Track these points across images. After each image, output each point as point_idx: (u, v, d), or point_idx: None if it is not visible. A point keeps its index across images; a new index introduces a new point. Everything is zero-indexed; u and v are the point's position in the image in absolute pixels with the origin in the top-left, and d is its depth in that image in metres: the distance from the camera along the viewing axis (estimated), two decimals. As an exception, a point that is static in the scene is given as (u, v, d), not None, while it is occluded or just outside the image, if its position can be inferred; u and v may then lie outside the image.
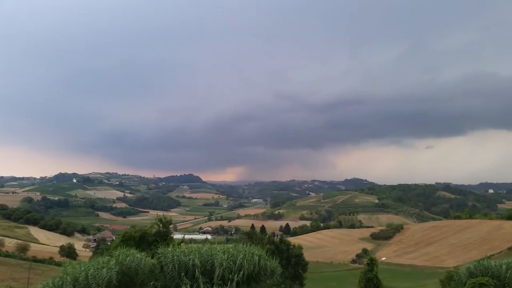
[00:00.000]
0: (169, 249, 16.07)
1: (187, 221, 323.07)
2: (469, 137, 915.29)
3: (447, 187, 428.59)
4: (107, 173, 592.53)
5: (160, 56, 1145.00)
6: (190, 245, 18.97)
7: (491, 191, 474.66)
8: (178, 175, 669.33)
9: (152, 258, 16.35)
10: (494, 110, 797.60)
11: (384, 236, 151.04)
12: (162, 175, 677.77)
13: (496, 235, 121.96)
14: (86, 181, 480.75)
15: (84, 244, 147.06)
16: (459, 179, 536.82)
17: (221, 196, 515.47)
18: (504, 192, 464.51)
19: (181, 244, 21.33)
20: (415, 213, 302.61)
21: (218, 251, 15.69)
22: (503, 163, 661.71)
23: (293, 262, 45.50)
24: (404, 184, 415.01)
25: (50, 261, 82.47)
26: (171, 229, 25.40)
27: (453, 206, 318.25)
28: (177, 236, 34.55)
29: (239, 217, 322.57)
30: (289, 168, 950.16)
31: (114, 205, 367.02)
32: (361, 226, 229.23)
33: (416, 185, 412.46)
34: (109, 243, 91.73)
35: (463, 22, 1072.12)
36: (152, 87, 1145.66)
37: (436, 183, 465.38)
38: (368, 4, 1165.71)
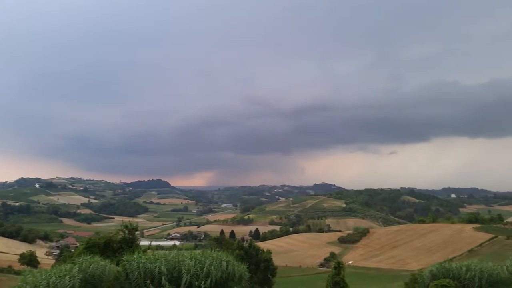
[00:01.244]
0: (135, 256, 15.85)
1: (155, 227, 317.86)
2: (432, 143, 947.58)
3: (411, 191, 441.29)
4: (71, 178, 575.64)
5: (128, 59, 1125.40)
6: (156, 252, 18.70)
7: (453, 196, 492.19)
8: (146, 180, 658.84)
9: (117, 265, 16.05)
10: (456, 117, 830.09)
11: (351, 240, 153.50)
12: (129, 180, 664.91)
13: (457, 238, 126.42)
14: (49, 186, 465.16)
15: (46, 252, 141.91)
16: (423, 184, 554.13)
17: (190, 202, 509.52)
18: (466, 196, 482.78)
19: (148, 251, 20.88)
20: (381, 217, 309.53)
21: (186, 258, 15.56)
22: (464, 169, 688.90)
23: (262, 267, 45.41)
24: (371, 189, 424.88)
25: (9, 269, 78.75)
26: (137, 235, 24.77)
27: (418, 210, 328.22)
28: (143, 242, 33.82)
29: (208, 222, 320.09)
30: (259, 173, 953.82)
31: (78, 211, 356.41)
32: (329, 230, 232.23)
33: (382, 189, 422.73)
34: (72, 250, 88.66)
35: (427, 34, 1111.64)
36: (119, 91, 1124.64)
37: (401, 188, 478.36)
38: (338, 15, 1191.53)
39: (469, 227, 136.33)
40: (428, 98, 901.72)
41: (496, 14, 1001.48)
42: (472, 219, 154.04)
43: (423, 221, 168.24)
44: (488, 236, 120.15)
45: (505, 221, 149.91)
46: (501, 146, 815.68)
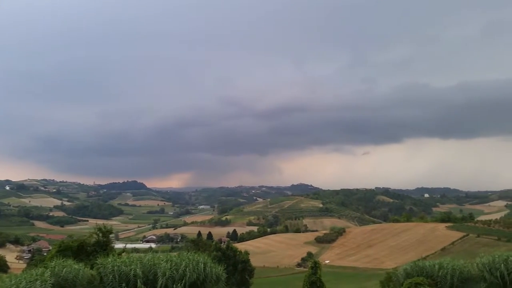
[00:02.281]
0: (109, 259, 15.64)
1: (130, 229, 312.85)
2: (405, 144, 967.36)
3: (386, 191, 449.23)
4: (43, 179, 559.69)
5: (102, 57, 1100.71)
6: (132, 255, 18.56)
7: (426, 195, 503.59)
8: (121, 181, 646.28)
9: (91, 269, 15.83)
10: (427, 119, 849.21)
11: (328, 239, 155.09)
12: (103, 182, 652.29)
13: (431, 237, 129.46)
14: (21, 188, 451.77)
15: (17, 256, 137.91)
16: (397, 184, 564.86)
17: (166, 203, 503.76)
18: (438, 196, 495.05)
19: (123, 253, 20.65)
20: (356, 216, 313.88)
21: (161, 260, 15.44)
22: (437, 169, 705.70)
23: (239, 268, 45.38)
24: (347, 189, 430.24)
25: (-23, 275, 76.21)
26: (112, 238, 24.52)
27: (392, 210, 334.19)
28: (118, 245, 33.31)
29: (185, 224, 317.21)
30: (237, 174, 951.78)
31: (51, 214, 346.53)
32: (306, 230, 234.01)
33: (357, 190, 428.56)
34: (45, 254, 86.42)
35: (400, 37, 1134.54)
36: (93, 90, 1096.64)
37: (376, 187, 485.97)
38: (314, 17, 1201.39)
39: (442, 226, 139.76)
40: (400, 100, 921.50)
41: (466, 18, 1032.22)
42: (445, 218, 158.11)
43: (397, 220, 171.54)
44: (460, 234, 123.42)
45: (476, 219, 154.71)
46: (471, 147, 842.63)
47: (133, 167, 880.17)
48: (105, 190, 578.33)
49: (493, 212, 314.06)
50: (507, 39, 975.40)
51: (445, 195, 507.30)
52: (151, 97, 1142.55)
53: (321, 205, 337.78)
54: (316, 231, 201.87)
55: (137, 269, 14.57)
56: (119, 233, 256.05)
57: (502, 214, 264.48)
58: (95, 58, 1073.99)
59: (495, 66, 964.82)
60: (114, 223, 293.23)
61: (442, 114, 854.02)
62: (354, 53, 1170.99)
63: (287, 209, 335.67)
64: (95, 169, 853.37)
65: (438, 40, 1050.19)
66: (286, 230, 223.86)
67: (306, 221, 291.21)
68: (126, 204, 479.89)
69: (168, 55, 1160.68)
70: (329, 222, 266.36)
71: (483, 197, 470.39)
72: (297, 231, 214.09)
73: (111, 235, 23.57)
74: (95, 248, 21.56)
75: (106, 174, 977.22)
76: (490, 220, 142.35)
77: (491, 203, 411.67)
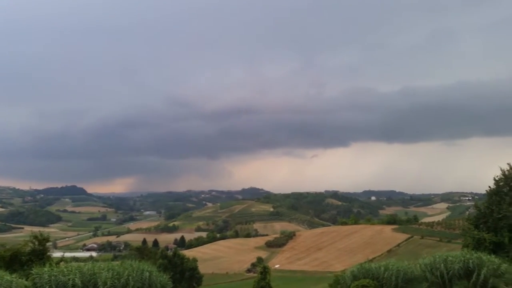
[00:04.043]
0: (45, 269, 14.95)
1: (69, 237, 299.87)
2: (352, 148, 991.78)
3: (335, 194, 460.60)
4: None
5: (42, 53, 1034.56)
6: (70, 264, 17.90)
7: (373, 198, 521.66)
8: (59, 186, 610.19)
9: (26, 280, 15.02)
10: (373, 123, 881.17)
11: (278, 243, 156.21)
12: (40, 186, 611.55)
13: (377, 239, 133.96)
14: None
15: None
16: (345, 187, 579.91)
17: (109, 209, 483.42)
18: (385, 199, 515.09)
19: (61, 263, 19.78)
20: (306, 220, 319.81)
21: (102, 269, 14.89)
22: (383, 173, 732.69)
23: (187, 276, 44.57)
24: (297, 192, 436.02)
25: None
26: (49, 247, 23.67)
27: (341, 213, 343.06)
28: (56, 254, 31.58)
29: (129, 231, 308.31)
30: (185, 178, 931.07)
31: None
32: (256, 234, 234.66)
33: (307, 193, 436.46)
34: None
35: (349, 43, 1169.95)
36: (28, 88, 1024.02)
37: (326, 191, 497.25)
38: (265, 20, 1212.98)
39: (388, 228, 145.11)
40: (347, 104, 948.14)
41: (411, 25, 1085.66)
42: (391, 220, 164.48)
43: (345, 223, 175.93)
44: (405, 236, 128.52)
45: (419, 221, 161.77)
46: (415, 151, 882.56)
47: (72, 171, 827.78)
48: (42, 195, 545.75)
49: (436, 214, 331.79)
50: (450, 46, 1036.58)
51: (391, 198, 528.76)
52: (93, 96, 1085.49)
53: (272, 209, 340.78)
54: (267, 235, 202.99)
55: (76, 279, 14.04)
56: (57, 241, 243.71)
57: (444, 216, 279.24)
58: (33, 55, 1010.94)
59: (437, 73, 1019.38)
60: (51, 230, 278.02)
61: (387, 118, 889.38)
62: (304, 56, 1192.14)
63: (238, 214, 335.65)
64: (31, 172, 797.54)
65: (384, 46, 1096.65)
66: (236, 235, 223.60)
67: (256, 225, 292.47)
68: (65, 211, 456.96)
69: (112, 52, 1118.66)
70: (279, 226, 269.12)
71: (426, 200, 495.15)
72: (248, 236, 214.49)
73: (48, 243, 23.13)
74: (30, 258, 20.92)
75: (43, 178, 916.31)
76: (433, 222, 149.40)
77: (434, 206, 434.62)
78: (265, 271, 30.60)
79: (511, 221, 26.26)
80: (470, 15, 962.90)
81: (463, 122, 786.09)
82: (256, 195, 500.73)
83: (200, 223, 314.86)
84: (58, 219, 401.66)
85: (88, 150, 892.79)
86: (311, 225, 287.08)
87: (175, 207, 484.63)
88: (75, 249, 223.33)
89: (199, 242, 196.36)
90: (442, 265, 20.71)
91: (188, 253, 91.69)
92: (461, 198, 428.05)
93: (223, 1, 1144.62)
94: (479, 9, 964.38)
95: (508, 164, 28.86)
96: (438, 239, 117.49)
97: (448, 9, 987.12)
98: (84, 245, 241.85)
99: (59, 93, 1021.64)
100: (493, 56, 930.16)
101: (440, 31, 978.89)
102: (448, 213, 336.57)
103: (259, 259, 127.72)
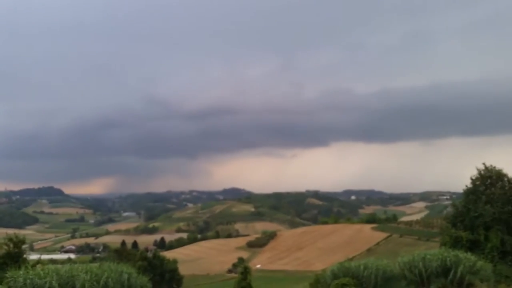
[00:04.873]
0: (21, 272, 14.52)
1: (47, 239, 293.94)
2: (332, 148, 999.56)
3: (315, 194, 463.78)
4: None
5: (12, 51, 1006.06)
6: (47, 266, 17.41)
7: (353, 197, 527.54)
8: (36, 187, 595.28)
9: (1, 284, 15.10)
10: (351, 124, 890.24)
11: (259, 243, 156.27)
12: (16, 187, 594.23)
13: (357, 238, 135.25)
14: None
15: None
16: (326, 187, 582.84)
17: (87, 211, 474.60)
18: (364, 198, 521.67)
19: (37, 265, 19.32)
20: (287, 219, 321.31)
21: (80, 271, 14.55)
22: (362, 172, 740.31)
23: (167, 278, 44.10)
24: (279, 192, 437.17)
25: None
26: (25, 249, 23.27)
27: (321, 212, 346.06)
28: (33, 257, 30.84)
29: (108, 233, 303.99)
30: (165, 178, 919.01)
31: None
32: (238, 235, 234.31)
33: (288, 193, 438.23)
34: None
35: (327, 43, 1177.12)
36: (3, 86, 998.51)
37: (307, 190, 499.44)
38: (244, 19, 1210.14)
39: (367, 227, 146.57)
40: (326, 104, 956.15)
41: (387, 26, 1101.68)
42: (370, 219, 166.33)
43: (326, 222, 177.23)
44: (384, 235, 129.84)
45: (398, 220, 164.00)
46: (393, 151, 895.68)
47: (49, 171, 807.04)
48: (18, 197, 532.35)
49: (415, 213, 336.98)
50: (424, 48, 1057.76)
51: (370, 197, 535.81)
52: (68, 95, 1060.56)
53: (253, 209, 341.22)
54: (248, 235, 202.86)
55: (53, 282, 13.68)
56: (34, 244, 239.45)
57: (422, 214, 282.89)
58: (3, 52, 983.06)
59: (413, 73, 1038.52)
60: (28, 232, 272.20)
61: (365, 119, 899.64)
62: (283, 56, 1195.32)
63: (219, 214, 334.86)
64: (6, 173, 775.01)
65: (362, 46, 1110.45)
66: (217, 235, 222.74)
67: (238, 225, 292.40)
68: (42, 212, 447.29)
69: (88, 51, 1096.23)
70: (261, 226, 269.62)
71: (405, 199, 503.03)
72: (229, 236, 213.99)
73: (24, 246, 22.91)
74: (4, 261, 20.65)
75: (19, 179, 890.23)
76: (411, 221, 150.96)
77: (413, 204, 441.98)
78: (246, 271, 30.48)
79: (487, 219, 26.80)
80: (445, 17, 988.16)
81: (440, 122, 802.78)
82: (237, 195, 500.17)
83: (181, 224, 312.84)
84: (35, 220, 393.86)
85: (65, 150, 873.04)
86: (292, 225, 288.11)
87: (155, 208, 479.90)
88: (53, 251, 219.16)
89: (179, 243, 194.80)
90: (420, 263, 20.94)
91: (169, 254, 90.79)
92: (439, 197, 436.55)
93: (203, 0, 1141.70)
94: (453, 12, 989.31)
95: (483, 164, 29.54)
96: (417, 237, 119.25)
97: (423, 11, 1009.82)
98: (62, 247, 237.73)
99: (33, 92, 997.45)
100: (467, 57, 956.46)
101: (413, 33, 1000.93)
102: (426, 212, 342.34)
103: (240, 260, 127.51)
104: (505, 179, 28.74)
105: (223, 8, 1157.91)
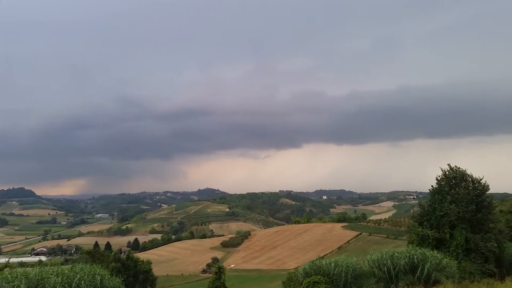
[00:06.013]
0: None
1: (16, 242, 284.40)
2: (304, 149, 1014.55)
3: (288, 194, 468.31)
4: None
5: None
6: (16, 270, 17.08)
7: (325, 197, 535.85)
8: (5, 189, 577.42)
9: None
10: (323, 126, 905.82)
11: (233, 243, 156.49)
12: None
13: (329, 236, 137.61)
14: None
15: None
16: (298, 187, 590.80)
17: (59, 212, 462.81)
18: (335, 198, 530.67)
19: (5, 269, 18.79)
20: (261, 219, 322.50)
21: (51, 274, 14.41)
22: (333, 173, 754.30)
23: (141, 279, 43.67)
24: (253, 192, 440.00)
25: None
26: None
27: (294, 212, 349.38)
28: (1, 260, 30.07)
29: (80, 234, 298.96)
30: (139, 179, 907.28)
31: None
32: (212, 235, 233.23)
33: (262, 193, 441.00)
34: None
35: (301, 48, 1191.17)
36: None
37: (280, 191, 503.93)
38: (219, 21, 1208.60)
39: (338, 226, 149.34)
40: (299, 106, 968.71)
41: (358, 32, 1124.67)
42: (341, 218, 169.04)
43: (298, 222, 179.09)
44: (354, 233, 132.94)
45: (368, 219, 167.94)
46: (363, 152, 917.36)
47: (19, 172, 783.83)
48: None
49: (383, 212, 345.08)
50: (392, 53, 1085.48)
51: (341, 197, 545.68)
52: (38, 95, 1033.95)
53: (227, 210, 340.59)
54: (223, 235, 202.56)
55: (22, 285, 13.45)
56: (3, 246, 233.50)
57: (390, 213, 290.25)
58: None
59: (382, 78, 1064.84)
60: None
61: (336, 121, 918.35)
62: (257, 59, 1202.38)
63: (193, 215, 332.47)
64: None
65: (333, 51, 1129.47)
66: (192, 236, 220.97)
67: (212, 226, 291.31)
68: (12, 214, 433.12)
69: (60, 50, 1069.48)
70: (235, 226, 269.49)
71: (374, 198, 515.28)
72: (203, 236, 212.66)
73: None
74: None
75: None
76: (380, 220, 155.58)
77: (381, 204, 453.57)
78: (220, 271, 30.69)
79: (452, 218, 27.84)
80: (412, 23, 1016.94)
81: (407, 125, 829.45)
82: (212, 195, 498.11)
83: (155, 225, 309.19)
84: (4, 223, 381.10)
85: (36, 150, 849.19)
86: (266, 225, 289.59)
87: (128, 209, 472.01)
88: (23, 254, 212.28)
89: (153, 245, 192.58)
90: (388, 261, 21.75)
91: (143, 255, 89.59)
92: (406, 196, 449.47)
93: (179, 2, 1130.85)
94: (420, 18, 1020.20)
95: (448, 165, 30.69)
96: (385, 236, 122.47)
97: (393, 18, 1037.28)
98: (33, 249, 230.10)
99: (1, 91, 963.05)
100: (433, 62, 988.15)
101: (383, 38, 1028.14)
102: (394, 211, 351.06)
103: (215, 260, 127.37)
104: (469, 179, 29.85)
105: (201, 11, 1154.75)
